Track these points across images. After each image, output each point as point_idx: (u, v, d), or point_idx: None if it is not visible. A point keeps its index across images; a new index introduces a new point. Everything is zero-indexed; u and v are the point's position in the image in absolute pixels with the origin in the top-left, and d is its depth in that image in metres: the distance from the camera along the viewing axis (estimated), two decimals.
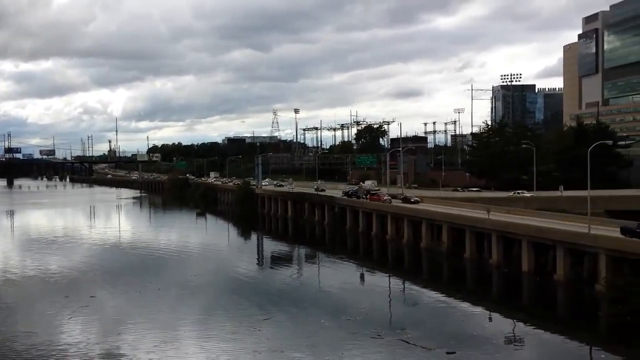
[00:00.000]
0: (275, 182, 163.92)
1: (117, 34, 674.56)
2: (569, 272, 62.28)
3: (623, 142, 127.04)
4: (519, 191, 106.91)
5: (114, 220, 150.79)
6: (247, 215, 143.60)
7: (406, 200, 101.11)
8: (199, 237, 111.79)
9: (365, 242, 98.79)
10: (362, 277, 73.74)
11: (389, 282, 70.14)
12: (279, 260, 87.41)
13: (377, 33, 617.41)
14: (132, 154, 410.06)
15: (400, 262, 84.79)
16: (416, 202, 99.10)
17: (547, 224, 70.32)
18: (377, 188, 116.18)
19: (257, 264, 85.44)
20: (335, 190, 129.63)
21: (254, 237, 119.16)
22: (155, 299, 59.15)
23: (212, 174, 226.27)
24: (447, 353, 41.54)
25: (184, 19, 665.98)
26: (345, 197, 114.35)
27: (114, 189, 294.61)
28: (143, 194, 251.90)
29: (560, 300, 60.18)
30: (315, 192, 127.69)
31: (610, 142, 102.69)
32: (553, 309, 57.94)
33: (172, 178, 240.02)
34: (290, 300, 58.30)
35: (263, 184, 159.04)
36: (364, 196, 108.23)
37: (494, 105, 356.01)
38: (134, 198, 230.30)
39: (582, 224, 65.27)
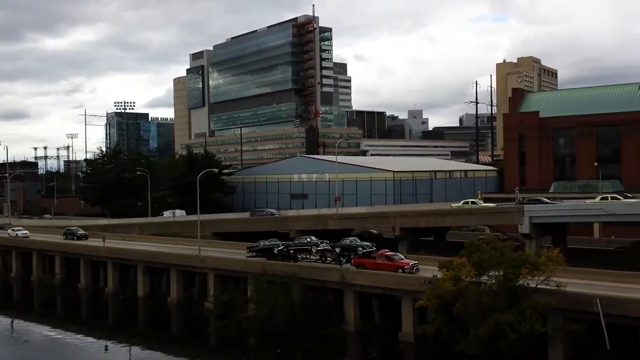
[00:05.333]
0: None
1: None
2: (181, 293, 66.00)
3: (227, 171, 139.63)
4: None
5: None
6: None
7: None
8: None
9: None
10: None
11: None
12: None
13: None
14: None
15: (8, 298, 77.66)
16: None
17: (162, 248, 73.27)
18: (370, 244, 57.64)
19: None
20: None
21: None
22: None
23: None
24: None
25: None
26: (260, 257, 60.60)
27: None
28: None
29: (174, 321, 63.24)
30: None
31: (216, 170, 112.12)
32: (167, 330, 60.58)
33: None
34: None
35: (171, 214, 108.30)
36: (341, 259, 55.70)
37: (108, 131, 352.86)
38: None
39: (194, 246, 69.87)
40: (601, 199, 70.82)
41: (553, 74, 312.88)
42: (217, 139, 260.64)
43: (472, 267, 43.85)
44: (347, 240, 58.45)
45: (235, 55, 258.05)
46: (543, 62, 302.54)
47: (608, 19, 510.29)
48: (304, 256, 58.63)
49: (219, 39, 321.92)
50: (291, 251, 59.33)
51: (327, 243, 58.39)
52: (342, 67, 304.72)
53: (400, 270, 51.06)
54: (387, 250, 54.69)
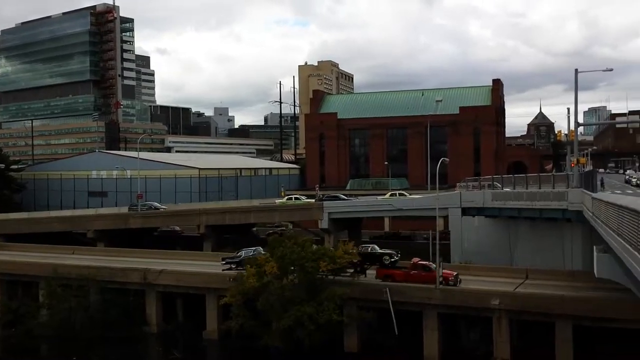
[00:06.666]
0: None
1: None
2: None
3: (16, 166, 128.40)
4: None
5: None
6: None
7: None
8: None
9: None
10: None
11: None
12: None
13: None
14: None
15: None
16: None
17: None
18: (394, 251, 49.07)
19: None
20: None
21: None
22: None
23: None
24: None
25: None
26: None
27: None
28: None
29: None
30: None
31: (3, 166, 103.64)
32: None
33: None
34: None
35: None
36: (357, 270, 47.05)
37: None
38: None
39: None
40: (390, 195, 76.90)
41: (350, 78, 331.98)
42: (4, 131, 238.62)
43: (276, 262, 45.24)
44: (368, 248, 48.90)
45: (26, 41, 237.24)
46: (341, 67, 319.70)
47: (399, 29, 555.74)
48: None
49: (7, 24, 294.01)
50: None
51: None
52: (145, 60, 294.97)
53: (443, 283, 42.83)
54: (420, 259, 46.27)
